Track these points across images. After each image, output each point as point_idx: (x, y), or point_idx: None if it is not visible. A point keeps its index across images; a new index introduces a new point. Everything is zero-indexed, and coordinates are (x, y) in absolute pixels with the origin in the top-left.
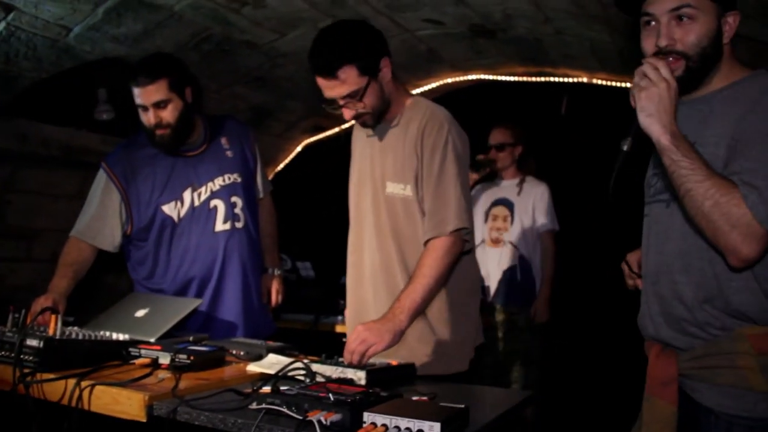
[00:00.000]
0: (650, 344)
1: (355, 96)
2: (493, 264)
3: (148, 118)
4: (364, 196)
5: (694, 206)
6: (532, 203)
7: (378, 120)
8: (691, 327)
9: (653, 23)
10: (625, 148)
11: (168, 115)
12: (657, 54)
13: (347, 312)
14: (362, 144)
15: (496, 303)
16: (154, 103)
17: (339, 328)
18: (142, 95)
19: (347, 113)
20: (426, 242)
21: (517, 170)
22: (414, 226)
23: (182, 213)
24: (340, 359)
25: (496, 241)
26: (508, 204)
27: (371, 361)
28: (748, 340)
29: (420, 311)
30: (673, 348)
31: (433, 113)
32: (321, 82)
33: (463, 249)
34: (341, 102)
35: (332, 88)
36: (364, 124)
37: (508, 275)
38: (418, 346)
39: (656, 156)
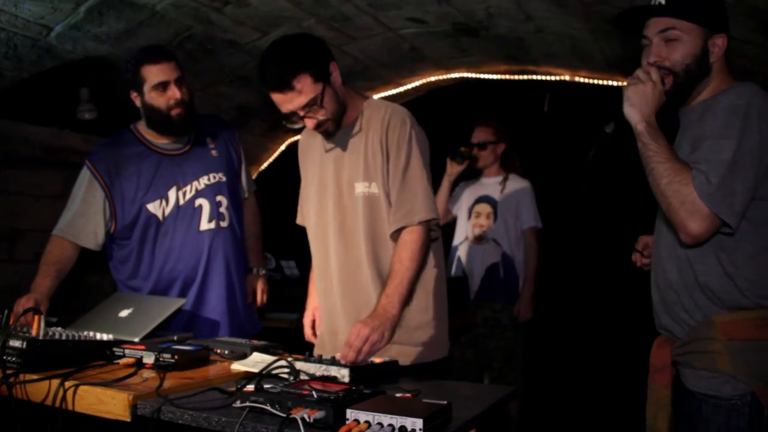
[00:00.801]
0: (659, 336)
1: (314, 104)
2: (476, 261)
3: (172, 92)
4: (324, 205)
5: (654, 183)
6: (515, 201)
7: (338, 125)
8: (681, 312)
9: (648, 45)
10: (608, 130)
11: (185, 94)
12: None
13: (318, 320)
14: (318, 155)
15: (479, 300)
16: (176, 78)
17: None
18: (165, 71)
19: (309, 123)
20: (395, 232)
21: (500, 168)
22: (380, 224)
23: (167, 211)
24: (325, 357)
25: (479, 239)
26: (491, 201)
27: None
28: (718, 326)
29: (406, 303)
30: (672, 336)
31: (395, 110)
32: (278, 97)
33: (431, 239)
34: (301, 113)
35: (290, 101)
36: (326, 132)
37: (492, 272)
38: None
39: None
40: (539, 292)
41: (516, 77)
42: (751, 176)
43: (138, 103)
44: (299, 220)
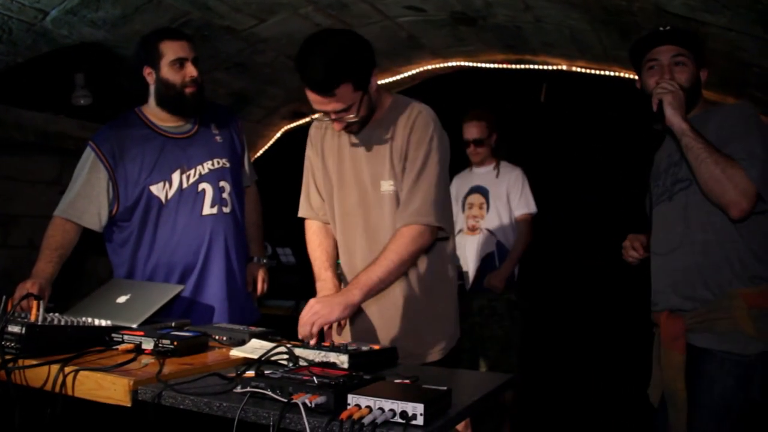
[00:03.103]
0: (659, 314)
1: (350, 110)
2: (471, 251)
3: (189, 70)
4: (348, 201)
5: (708, 171)
6: (506, 188)
7: (364, 126)
8: (699, 290)
9: (656, 67)
10: (660, 126)
11: (200, 74)
12: None
13: None
14: (335, 149)
15: (475, 290)
16: (194, 58)
17: None
18: (183, 48)
19: (338, 126)
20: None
21: (491, 157)
22: None
23: (170, 194)
24: (323, 343)
25: (473, 229)
26: (483, 191)
27: (354, 345)
28: (741, 297)
29: (376, 291)
30: (679, 312)
31: (420, 111)
32: (314, 97)
33: (431, 242)
34: (333, 116)
35: (326, 104)
36: (350, 131)
37: (487, 262)
38: (398, 338)
39: (654, 174)
40: (535, 280)
41: (513, 66)
42: None
43: (151, 79)
44: (303, 213)
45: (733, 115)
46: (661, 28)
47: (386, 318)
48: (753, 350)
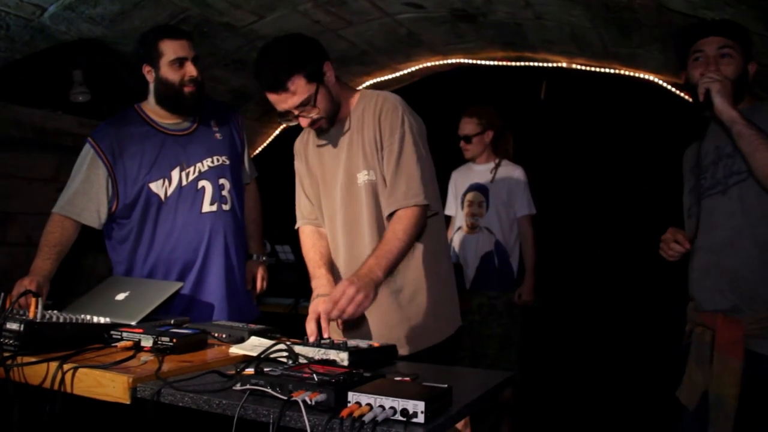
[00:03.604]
0: (712, 315)
1: (308, 104)
2: (470, 250)
3: (189, 69)
4: (333, 200)
5: (763, 156)
6: (507, 188)
7: (332, 122)
8: (758, 289)
9: (701, 59)
10: (708, 113)
11: (199, 73)
12: None
13: None
14: (317, 153)
15: (475, 288)
16: (193, 57)
17: None
18: (183, 47)
19: (303, 122)
20: (390, 215)
21: (491, 154)
22: (379, 209)
23: (170, 192)
24: (323, 341)
25: (472, 227)
26: (482, 189)
27: (354, 343)
28: None
29: (391, 270)
30: (737, 314)
31: (386, 98)
32: (272, 97)
33: (425, 222)
34: (296, 112)
35: (285, 101)
36: (320, 130)
37: (486, 261)
38: (396, 324)
39: (700, 166)
40: (538, 280)
41: (513, 64)
42: None
43: (150, 77)
44: (298, 222)
45: None
46: (710, 19)
47: (387, 303)
48: None
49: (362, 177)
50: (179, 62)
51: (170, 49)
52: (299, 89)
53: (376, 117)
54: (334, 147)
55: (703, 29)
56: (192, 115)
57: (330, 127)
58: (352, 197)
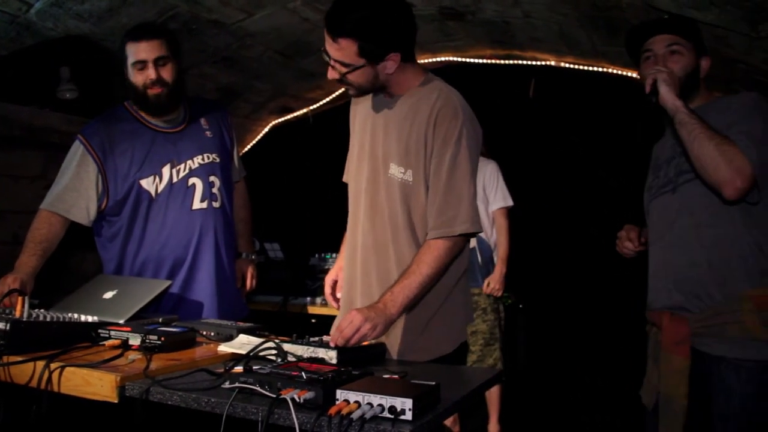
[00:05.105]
0: (659, 313)
1: (346, 68)
2: None
3: (148, 73)
4: (360, 174)
5: (701, 146)
6: (482, 183)
7: (363, 94)
8: (706, 288)
9: (651, 57)
10: (654, 100)
11: (166, 74)
12: None
13: (340, 281)
14: (363, 117)
15: None
16: (155, 58)
17: (309, 309)
18: (144, 49)
19: (330, 73)
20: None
21: None
22: (408, 213)
23: (160, 188)
24: (312, 339)
25: None
26: None
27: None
28: (751, 300)
29: (410, 306)
30: (684, 312)
31: (448, 97)
32: (325, 32)
33: (462, 249)
34: (332, 62)
35: (330, 45)
36: (348, 90)
37: (470, 258)
38: (406, 336)
39: (654, 165)
40: (519, 276)
41: (502, 62)
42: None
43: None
44: (345, 178)
45: (739, 101)
46: (658, 18)
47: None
48: (766, 355)
49: (395, 170)
50: (141, 65)
51: (132, 52)
52: (346, 51)
53: (433, 116)
54: (379, 122)
55: (651, 28)
56: (169, 114)
57: (358, 95)
58: (382, 184)
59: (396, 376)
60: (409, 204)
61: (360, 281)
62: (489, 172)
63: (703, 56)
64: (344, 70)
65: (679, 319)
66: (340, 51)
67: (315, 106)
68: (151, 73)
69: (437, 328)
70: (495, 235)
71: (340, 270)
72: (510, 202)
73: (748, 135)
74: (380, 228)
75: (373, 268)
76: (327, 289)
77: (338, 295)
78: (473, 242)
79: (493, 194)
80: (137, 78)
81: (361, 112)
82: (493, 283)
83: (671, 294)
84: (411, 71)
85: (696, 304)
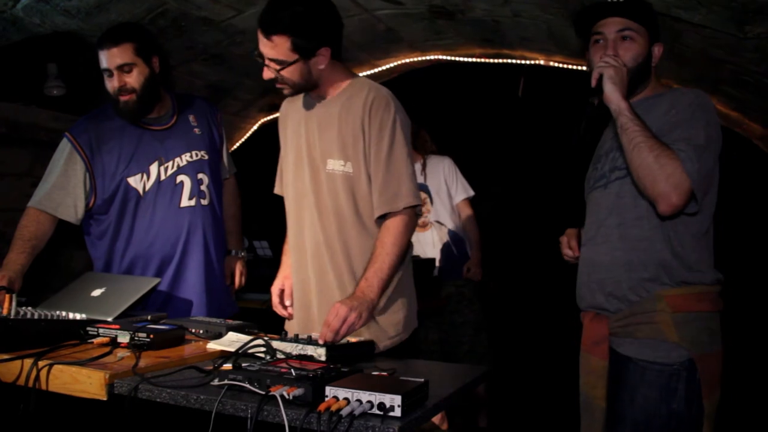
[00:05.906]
0: (584, 313)
1: (280, 65)
2: (428, 246)
3: (112, 82)
4: (301, 177)
5: (640, 156)
6: (442, 179)
7: (297, 92)
8: (624, 290)
9: (601, 41)
10: (595, 102)
11: (132, 80)
12: None
13: (288, 290)
14: (296, 122)
15: (441, 281)
16: (118, 66)
17: None
18: (107, 58)
19: (266, 73)
20: (380, 218)
21: (416, 154)
22: (354, 204)
23: (148, 186)
24: (301, 336)
25: (423, 225)
26: (421, 188)
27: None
28: (665, 300)
29: (386, 287)
30: (605, 312)
31: (378, 91)
32: (258, 33)
33: (415, 223)
34: (266, 61)
35: (263, 45)
36: (283, 90)
37: (445, 252)
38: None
39: (596, 156)
40: (506, 265)
41: (491, 61)
42: (713, 163)
43: None
44: (277, 190)
45: (684, 101)
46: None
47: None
48: (676, 358)
49: (335, 165)
50: (107, 73)
51: (102, 60)
52: (279, 48)
53: (367, 107)
54: (312, 123)
55: (603, 9)
56: (146, 115)
57: (292, 94)
58: (324, 182)
59: (385, 373)
60: (353, 194)
61: (314, 281)
62: (446, 167)
63: (656, 43)
64: (278, 67)
65: (599, 319)
66: (273, 49)
67: None
68: (114, 82)
69: (383, 318)
70: (462, 225)
71: (285, 279)
72: (471, 192)
73: (689, 142)
74: (328, 225)
75: (328, 266)
76: (275, 299)
77: (287, 302)
78: (445, 236)
79: (454, 188)
80: (108, 85)
81: (292, 118)
82: (473, 267)
83: (594, 294)
84: (341, 70)
85: (614, 304)
